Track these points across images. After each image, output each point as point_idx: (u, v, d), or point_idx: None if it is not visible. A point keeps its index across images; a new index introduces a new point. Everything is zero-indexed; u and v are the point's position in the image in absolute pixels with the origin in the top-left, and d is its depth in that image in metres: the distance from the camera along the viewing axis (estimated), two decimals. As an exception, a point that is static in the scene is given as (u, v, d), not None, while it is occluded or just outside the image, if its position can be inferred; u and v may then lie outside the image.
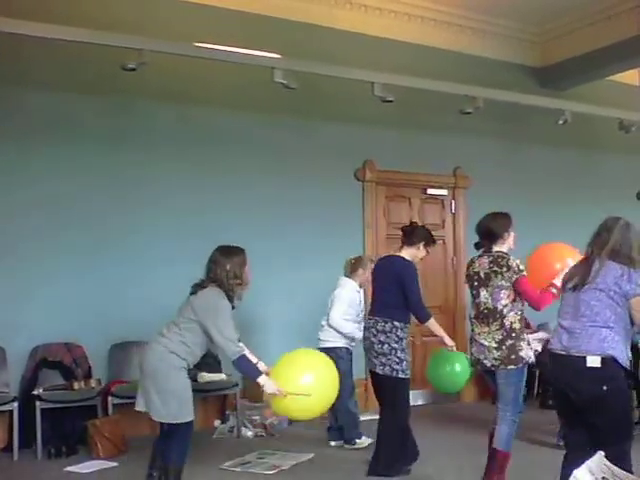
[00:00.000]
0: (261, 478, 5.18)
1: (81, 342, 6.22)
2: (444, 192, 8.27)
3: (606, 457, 3.48)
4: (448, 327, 7.17)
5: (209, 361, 6.56)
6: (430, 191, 8.18)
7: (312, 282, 7.04)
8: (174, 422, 4.15)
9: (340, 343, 5.92)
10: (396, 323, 5.00)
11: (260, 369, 4.26)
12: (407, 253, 5.17)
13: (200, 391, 6.30)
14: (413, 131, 7.88)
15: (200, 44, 5.95)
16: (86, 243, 6.31)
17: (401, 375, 4.98)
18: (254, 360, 4.35)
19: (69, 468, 5.37)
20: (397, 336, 4.99)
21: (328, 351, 5.76)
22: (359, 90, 6.56)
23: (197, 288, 4.22)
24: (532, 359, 4.60)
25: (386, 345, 4.98)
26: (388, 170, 7.79)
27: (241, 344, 4.23)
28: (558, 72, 8.61)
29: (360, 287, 6.08)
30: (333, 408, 5.88)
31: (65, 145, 6.28)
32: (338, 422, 6.03)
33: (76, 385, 5.87)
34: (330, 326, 5.91)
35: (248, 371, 4.27)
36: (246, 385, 6.68)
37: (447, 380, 5.32)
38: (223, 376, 6.46)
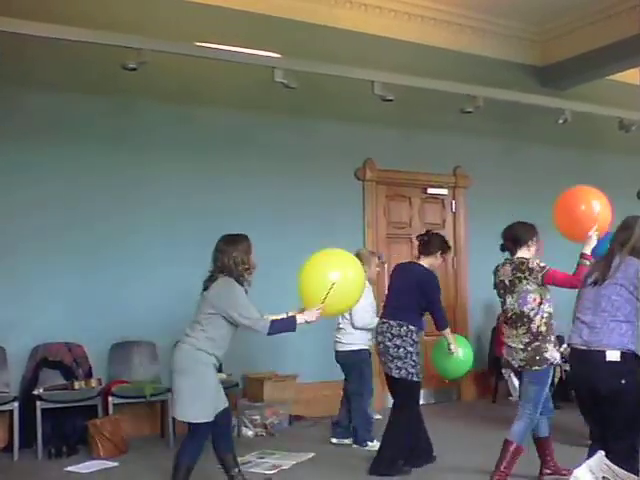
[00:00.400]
0: (261, 478, 5.17)
1: (81, 342, 6.22)
2: (444, 191, 8.27)
3: (617, 451, 3.54)
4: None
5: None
6: (430, 190, 8.18)
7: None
8: (195, 422, 4.15)
9: (364, 345, 5.92)
10: (411, 327, 5.08)
11: (293, 318, 4.23)
12: (426, 262, 5.28)
13: (200, 391, 6.31)
14: (413, 130, 7.88)
15: (201, 44, 5.95)
16: (87, 243, 6.30)
17: (415, 378, 5.07)
18: (281, 316, 4.33)
19: (69, 468, 5.36)
20: (412, 340, 5.07)
21: (353, 354, 5.80)
22: (359, 89, 6.56)
23: (208, 283, 4.26)
24: (557, 360, 4.71)
25: (402, 349, 5.05)
26: (388, 169, 7.79)
27: (265, 316, 4.21)
28: (558, 71, 8.61)
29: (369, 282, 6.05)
30: (349, 407, 5.93)
31: (66, 145, 6.28)
32: (352, 422, 6.01)
33: (76, 385, 5.88)
34: (356, 329, 5.90)
35: (285, 329, 4.24)
36: (246, 385, 6.70)
37: (453, 366, 5.43)
38: (223, 376, 6.44)
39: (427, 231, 5.54)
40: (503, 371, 7.67)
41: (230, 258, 4.22)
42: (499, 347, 7.81)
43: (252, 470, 5.30)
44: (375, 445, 5.87)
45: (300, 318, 4.20)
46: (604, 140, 8.84)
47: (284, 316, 4.30)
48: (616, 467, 3.95)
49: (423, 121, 7.90)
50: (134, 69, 5.59)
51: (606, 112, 7.87)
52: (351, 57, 7.04)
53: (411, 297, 5.13)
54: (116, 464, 5.48)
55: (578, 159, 8.95)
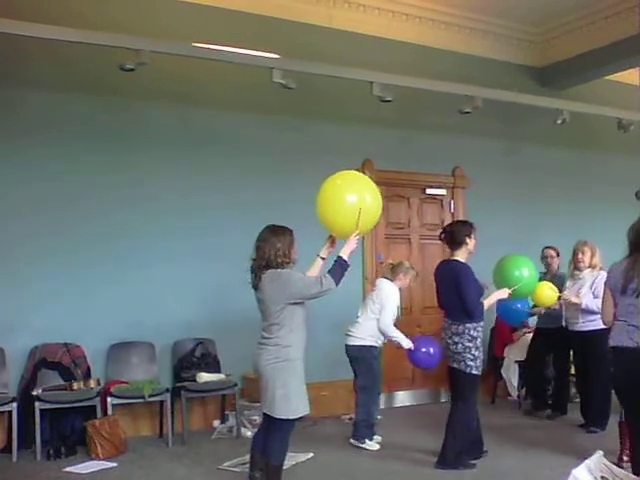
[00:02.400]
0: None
1: (80, 342, 6.22)
2: (443, 192, 8.27)
3: None
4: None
5: (208, 361, 6.58)
6: (429, 191, 8.18)
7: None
8: (283, 417, 4.13)
9: (375, 343, 5.95)
10: (467, 325, 5.16)
11: (340, 258, 4.25)
12: (460, 255, 5.32)
13: (199, 391, 6.33)
14: (412, 131, 7.88)
15: (199, 44, 5.95)
16: (85, 243, 6.30)
17: (474, 371, 5.18)
18: (319, 263, 4.41)
19: (68, 469, 5.36)
20: (470, 335, 5.17)
21: (363, 349, 5.83)
22: (358, 90, 6.56)
23: (257, 282, 4.21)
24: None
25: (460, 345, 5.19)
26: (387, 170, 7.78)
27: (323, 278, 4.16)
28: (557, 72, 8.62)
29: (399, 290, 6.13)
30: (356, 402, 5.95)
31: (65, 145, 6.28)
32: (355, 417, 6.03)
33: (75, 385, 5.87)
34: (379, 329, 5.94)
35: (343, 272, 4.24)
36: (245, 385, 6.69)
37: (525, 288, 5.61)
38: (222, 376, 6.46)
39: (443, 228, 5.55)
40: (502, 371, 7.68)
41: (273, 248, 4.19)
42: (498, 347, 7.86)
43: (251, 470, 5.31)
44: (372, 445, 5.88)
45: (345, 253, 4.25)
46: (603, 140, 8.85)
47: (321, 261, 4.41)
48: (615, 467, 3.96)
49: (422, 122, 7.90)
50: (132, 70, 5.60)
51: (605, 112, 7.88)
52: (350, 58, 7.04)
53: (456, 296, 5.19)
54: (115, 464, 5.47)
55: (577, 159, 8.96)
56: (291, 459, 5.54)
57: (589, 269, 6.47)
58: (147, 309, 6.43)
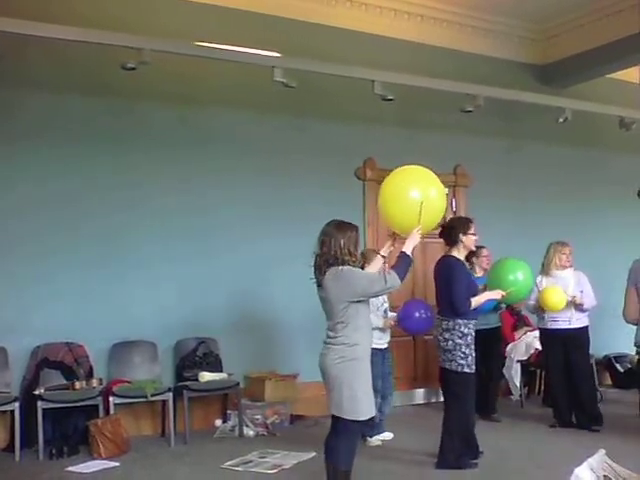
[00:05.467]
0: (263, 477, 5.17)
1: (82, 342, 6.22)
2: (445, 190, 8.24)
3: None
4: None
5: (210, 360, 6.58)
6: (431, 189, 8.16)
7: (313, 282, 7.04)
8: (350, 418, 4.03)
9: (380, 345, 5.86)
10: (458, 321, 5.13)
11: (403, 254, 4.19)
12: (456, 251, 5.30)
13: (201, 390, 6.33)
14: (414, 130, 7.87)
15: (200, 43, 5.95)
16: (87, 243, 6.31)
17: (467, 370, 5.14)
18: (391, 261, 4.36)
19: (70, 468, 5.35)
20: (460, 332, 5.13)
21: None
22: (359, 88, 6.56)
23: (321, 279, 4.11)
24: None
25: (450, 342, 5.13)
26: (389, 169, 7.71)
27: (387, 275, 4.09)
28: (559, 70, 8.60)
29: None
30: None
31: (65, 145, 6.27)
32: None
33: (77, 385, 5.87)
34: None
35: (407, 267, 4.19)
36: (247, 384, 6.70)
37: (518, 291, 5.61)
38: (224, 375, 6.46)
39: (441, 225, 5.45)
40: (504, 371, 7.67)
41: (337, 245, 4.07)
42: (500, 346, 7.84)
43: (253, 470, 5.31)
44: (373, 441, 5.87)
45: (408, 248, 4.20)
46: (604, 139, 8.83)
47: (381, 259, 4.38)
48: (617, 465, 3.94)
49: (423, 120, 7.89)
50: (133, 69, 5.60)
51: (607, 110, 7.87)
52: (351, 56, 7.04)
53: (446, 291, 5.18)
54: (117, 464, 5.46)
55: (578, 157, 8.95)
56: (293, 458, 5.56)
57: (570, 268, 6.48)
58: (149, 308, 6.44)
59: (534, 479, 4.99)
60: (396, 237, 4.43)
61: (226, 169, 6.90)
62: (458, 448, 5.18)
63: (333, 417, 4.14)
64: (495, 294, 5.44)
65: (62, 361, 6.08)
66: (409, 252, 4.20)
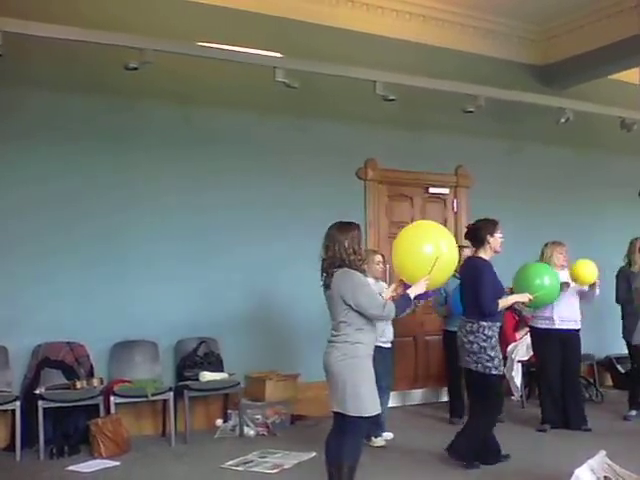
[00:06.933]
0: (263, 477, 5.17)
1: (83, 341, 6.22)
2: (446, 191, 8.27)
3: None
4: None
5: (211, 360, 6.59)
6: (432, 190, 8.18)
7: (314, 282, 7.03)
8: (357, 415, 4.05)
9: (384, 344, 5.80)
10: (482, 323, 5.12)
11: (407, 295, 4.25)
12: (483, 252, 5.29)
13: (202, 390, 6.33)
14: (415, 130, 7.87)
15: (202, 43, 5.95)
16: (88, 242, 6.30)
17: (494, 372, 5.14)
18: (394, 296, 4.37)
19: (71, 467, 5.36)
20: (485, 334, 5.12)
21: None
22: (361, 89, 6.56)
23: (328, 280, 4.15)
24: None
25: (475, 344, 5.14)
26: (390, 169, 7.79)
27: (387, 305, 4.13)
28: (560, 71, 8.60)
29: (377, 280, 5.98)
30: None
31: (66, 144, 6.27)
32: None
33: (78, 384, 5.87)
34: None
35: (406, 307, 4.28)
36: (248, 384, 6.70)
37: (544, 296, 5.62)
38: (225, 375, 6.47)
39: (467, 227, 5.50)
40: (505, 371, 7.67)
41: (341, 246, 4.11)
42: (501, 346, 7.84)
43: (253, 469, 5.31)
44: (377, 442, 5.87)
45: (412, 292, 4.25)
46: (605, 139, 8.83)
47: (392, 295, 4.38)
48: (617, 467, 3.95)
49: (425, 121, 7.89)
50: (135, 69, 5.60)
51: (607, 111, 7.87)
52: (353, 57, 7.04)
53: (472, 293, 5.17)
54: (118, 463, 5.47)
55: (579, 158, 8.95)
56: (294, 458, 5.56)
57: (566, 269, 6.50)
58: (150, 308, 6.44)
59: (533, 478, 4.99)
60: (404, 284, 4.44)
61: (227, 169, 6.90)
62: (472, 447, 5.17)
63: (336, 415, 4.16)
64: (522, 297, 5.44)
65: (63, 360, 6.08)
66: (412, 296, 4.26)
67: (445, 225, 8.09)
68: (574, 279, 6.31)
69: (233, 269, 6.82)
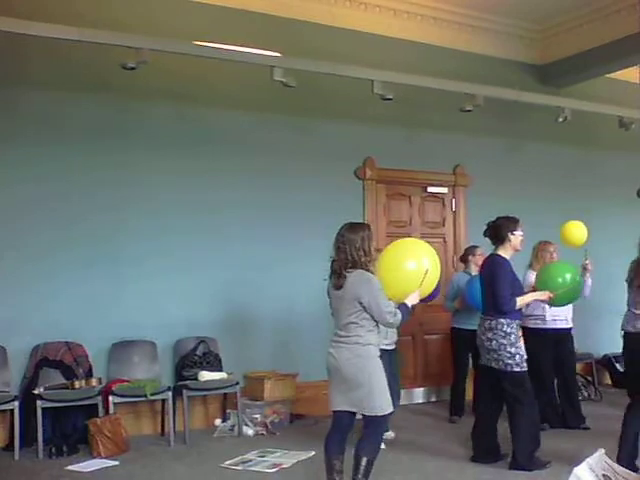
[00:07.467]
0: (262, 476, 5.17)
1: (82, 341, 6.22)
2: (444, 190, 8.26)
3: None
4: (449, 323, 7.18)
5: (210, 359, 6.58)
6: (430, 189, 8.18)
7: (313, 282, 7.04)
8: (375, 415, 4.08)
9: (387, 346, 5.81)
10: (501, 320, 5.09)
11: (405, 305, 4.26)
12: (503, 250, 5.27)
13: (201, 390, 6.33)
14: (413, 129, 7.87)
15: (199, 43, 5.95)
16: (87, 242, 6.30)
17: (516, 369, 5.09)
18: (398, 306, 4.30)
19: (70, 467, 5.35)
20: (503, 332, 5.09)
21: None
22: (359, 88, 6.56)
23: (340, 281, 4.13)
24: None
25: (494, 342, 5.11)
26: (388, 168, 7.79)
27: (398, 312, 4.15)
28: (558, 69, 8.60)
29: None
30: None
31: (65, 144, 6.27)
32: None
33: (77, 384, 5.87)
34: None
35: (407, 315, 4.25)
36: (247, 383, 6.70)
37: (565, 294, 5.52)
38: (224, 375, 6.47)
39: (487, 224, 5.43)
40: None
41: (353, 247, 4.11)
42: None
43: (253, 469, 5.31)
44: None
45: (409, 302, 4.27)
46: (604, 138, 8.84)
47: (397, 306, 4.32)
48: (617, 465, 3.95)
49: (423, 120, 7.89)
50: (133, 68, 5.60)
51: (606, 110, 7.88)
52: (350, 56, 7.03)
53: (491, 289, 5.16)
54: (116, 463, 5.47)
55: (578, 157, 8.95)
56: (292, 457, 5.56)
57: None
58: (149, 308, 6.43)
59: (533, 478, 4.98)
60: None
61: (225, 168, 6.89)
62: (528, 448, 5.12)
63: (342, 413, 4.18)
64: (542, 295, 5.39)
65: (62, 360, 6.08)
66: (409, 305, 4.27)
67: (443, 224, 8.20)
68: (564, 241, 6.30)
69: (232, 269, 6.82)
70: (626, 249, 7.49)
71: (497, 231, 5.28)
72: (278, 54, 6.22)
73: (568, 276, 5.55)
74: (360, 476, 4.09)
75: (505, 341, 5.07)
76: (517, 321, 5.18)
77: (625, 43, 7.70)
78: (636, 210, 8.72)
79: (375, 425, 4.14)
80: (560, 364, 6.48)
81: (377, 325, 4.16)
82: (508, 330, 5.09)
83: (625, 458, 4.68)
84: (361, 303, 4.06)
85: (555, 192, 8.70)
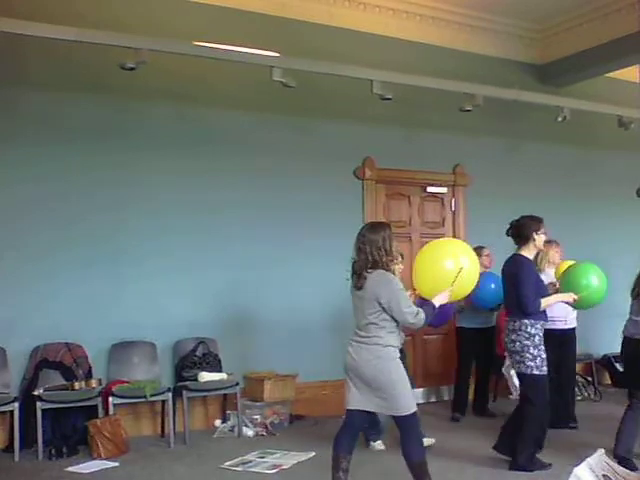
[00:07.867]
0: (262, 477, 5.17)
1: (81, 342, 6.21)
2: (444, 190, 8.26)
3: None
4: (449, 323, 7.16)
5: (210, 360, 6.58)
6: (430, 189, 8.17)
7: (312, 282, 7.05)
8: (408, 413, 4.08)
9: None
10: (525, 321, 5.05)
11: (432, 304, 4.25)
12: (526, 250, 5.22)
13: (200, 390, 6.33)
14: (412, 129, 7.87)
15: (198, 43, 5.94)
16: (86, 243, 6.29)
17: (535, 372, 5.05)
18: (422, 304, 4.30)
19: (70, 468, 5.35)
20: (527, 333, 5.05)
21: None
22: (358, 88, 6.56)
23: (361, 281, 4.12)
24: None
25: (517, 343, 5.07)
26: (388, 168, 7.78)
27: (420, 313, 4.11)
28: (557, 69, 8.60)
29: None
30: None
31: (64, 144, 6.26)
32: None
33: (77, 385, 5.86)
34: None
35: (431, 315, 4.23)
36: (246, 384, 6.70)
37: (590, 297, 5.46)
38: (223, 375, 6.46)
39: (511, 223, 5.35)
40: (503, 370, 7.67)
41: (375, 247, 4.10)
42: (499, 345, 7.85)
43: (252, 470, 5.31)
44: (376, 446, 5.85)
45: (437, 301, 4.25)
46: (603, 138, 8.83)
47: (419, 304, 4.32)
48: (617, 465, 3.95)
49: (422, 120, 7.89)
50: (132, 69, 5.59)
51: (605, 110, 7.87)
52: (350, 56, 7.03)
53: (515, 290, 5.10)
54: (116, 464, 5.46)
55: (577, 157, 8.95)
56: (292, 458, 5.56)
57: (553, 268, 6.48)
58: (148, 309, 6.43)
59: (533, 478, 4.98)
60: (416, 294, 4.46)
61: (225, 168, 6.88)
62: (530, 450, 5.11)
63: (356, 412, 4.19)
64: (567, 296, 5.33)
65: (61, 361, 6.07)
66: (437, 305, 4.26)
67: (443, 224, 8.19)
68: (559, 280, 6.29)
69: (232, 269, 6.82)
70: (626, 249, 7.52)
71: (521, 230, 5.22)
72: (277, 54, 6.21)
73: (593, 278, 5.45)
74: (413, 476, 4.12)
75: (529, 342, 5.03)
76: (541, 322, 5.12)
77: (625, 42, 7.69)
78: (636, 210, 8.71)
79: (407, 424, 4.11)
80: (561, 365, 6.47)
81: (398, 326, 4.14)
82: (532, 331, 5.04)
83: (621, 450, 4.72)
84: (380, 303, 4.05)
85: (554, 191, 8.69)
